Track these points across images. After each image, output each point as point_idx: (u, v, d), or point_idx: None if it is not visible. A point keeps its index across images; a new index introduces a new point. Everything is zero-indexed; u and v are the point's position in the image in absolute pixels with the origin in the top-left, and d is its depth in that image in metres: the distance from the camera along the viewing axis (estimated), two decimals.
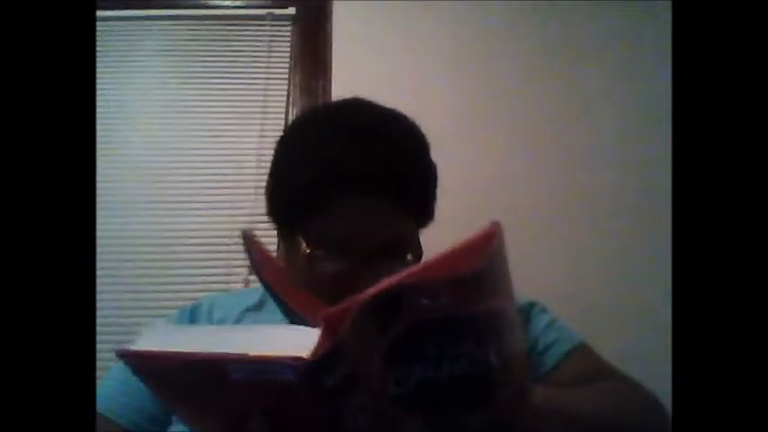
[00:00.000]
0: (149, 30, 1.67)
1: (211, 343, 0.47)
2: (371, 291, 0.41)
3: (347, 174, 0.64)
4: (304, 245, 0.67)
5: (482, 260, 0.42)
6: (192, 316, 0.77)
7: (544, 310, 0.80)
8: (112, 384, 0.73)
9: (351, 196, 0.65)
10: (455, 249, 0.43)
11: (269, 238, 1.43)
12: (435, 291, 0.41)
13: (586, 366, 0.73)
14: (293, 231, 0.69)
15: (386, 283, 0.41)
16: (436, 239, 1.36)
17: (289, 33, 1.67)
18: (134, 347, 0.51)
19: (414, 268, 0.42)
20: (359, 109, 0.74)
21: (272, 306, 0.77)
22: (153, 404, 0.69)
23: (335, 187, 0.64)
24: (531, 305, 0.80)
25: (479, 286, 0.42)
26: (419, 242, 0.73)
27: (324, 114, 0.77)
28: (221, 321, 0.76)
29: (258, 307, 0.78)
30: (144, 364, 0.50)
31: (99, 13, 1.42)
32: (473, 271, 0.41)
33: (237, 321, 0.76)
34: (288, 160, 0.71)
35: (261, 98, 1.60)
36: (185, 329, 0.62)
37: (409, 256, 0.69)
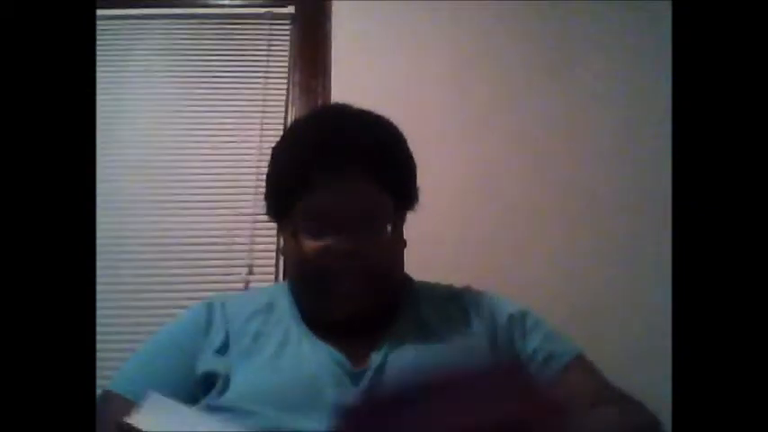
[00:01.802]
0: (149, 29, 1.67)
1: None
2: None
3: (323, 153, 0.75)
4: (290, 229, 0.77)
5: None
6: (208, 313, 0.79)
7: (539, 320, 0.81)
8: (136, 369, 0.75)
9: (327, 172, 0.74)
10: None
11: (269, 238, 1.45)
12: None
13: (586, 380, 0.75)
14: (286, 221, 0.79)
15: None
16: (436, 237, 1.37)
17: (288, 32, 1.67)
18: (133, 423, 0.51)
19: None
20: (335, 110, 0.86)
21: (280, 308, 0.79)
22: (176, 391, 0.70)
23: (313, 166, 0.75)
24: (524, 314, 0.81)
25: None
26: (399, 221, 0.81)
27: (304, 119, 0.88)
28: (232, 320, 0.78)
29: (268, 309, 0.80)
30: None
31: (99, 12, 1.42)
32: None
33: (247, 322, 0.77)
34: (276, 160, 0.82)
35: (260, 97, 1.60)
36: (190, 414, 0.60)
37: (388, 228, 0.76)
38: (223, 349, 0.74)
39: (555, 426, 0.39)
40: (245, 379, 0.70)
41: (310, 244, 0.75)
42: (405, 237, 0.84)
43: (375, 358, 0.72)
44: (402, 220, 0.83)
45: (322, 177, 0.74)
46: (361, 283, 0.74)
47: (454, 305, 0.82)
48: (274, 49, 1.66)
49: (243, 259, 1.45)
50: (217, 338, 0.75)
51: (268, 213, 0.83)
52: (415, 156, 0.84)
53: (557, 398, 0.38)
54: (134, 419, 0.52)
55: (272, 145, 0.86)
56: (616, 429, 0.67)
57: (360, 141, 0.77)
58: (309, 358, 0.72)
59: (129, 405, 0.67)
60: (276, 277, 1.41)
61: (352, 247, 0.73)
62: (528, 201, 1.48)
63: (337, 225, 0.74)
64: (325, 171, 0.74)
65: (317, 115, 0.86)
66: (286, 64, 1.64)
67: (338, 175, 0.75)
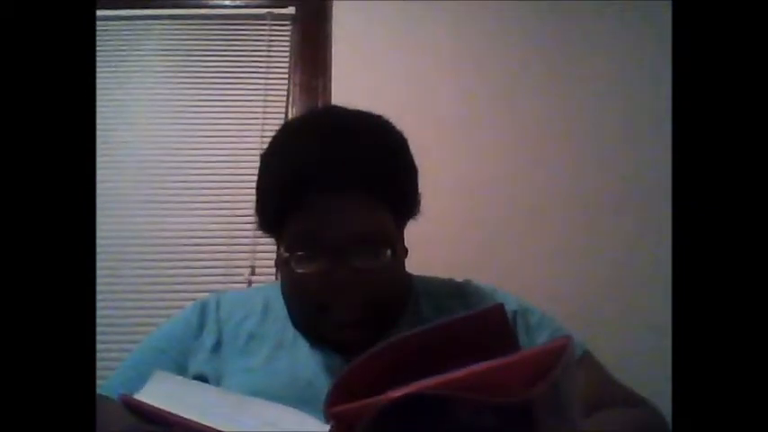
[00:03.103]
0: (149, 29, 1.67)
1: (216, 414, 0.47)
2: (397, 393, 0.35)
3: (316, 173, 0.67)
4: (283, 248, 0.71)
5: (545, 384, 0.35)
6: (201, 313, 0.78)
7: (543, 316, 0.79)
8: (128, 373, 0.74)
9: (321, 194, 0.67)
10: (515, 360, 0.36)
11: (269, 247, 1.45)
12: (477, 408, 0.35)
13: (593, 378, 0.73)
14: (278, 239, 0.73)
15: (417, 386, 0.35)
16: (435, 238, 1.37)
17: (288, 33, 1.67)
18: (137, 397, 0.51)
19: (456, 374, 0.35)
20: (328, 115, 0.79)
21: (275, 310, 0.78)
22: None
23: (305, 187, 0.67)
24: (528, 310, 0.78)
25: (535, 415, 0.35)
26: (399, 237, 0.76)
27: (296, 124, 0.81)
28: (226, 319, 0.77)
29: (263, 310, 0.78)
30: (140, 414, 0.51)
31: (99, 12, 1.42)
32: (529, 397, 0.34)
33: (241, 323, 0.76)
34: (265, 173, 0.75)
35: (261, 98, 1.60)
36: (193, 388, 0.60)
37: (388, 252, 0.70)
38: (216, 351, 0.74)
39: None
40: (238, 381, 0.70)
41: (303, 270, 0.69)
42: (404, 242, 0.80)
43: None
44: (403, 228, 0.79)
45: (315, 196, 0.67)
46: (360, 313, 0.70)
47: (455, 301, 0.79)
48: (275, 49, 1.66)
49: (245, 260, 1.45)
50: (209, 340, 0.75)
51: (261, 228, 0.76)
52: (414, 157, 0.78)
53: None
54: (141, 395, 0.53)
55: None
56: (625, 429, 0.65)
57: (356, 157, 0.68)
58: (305, 363, 0.71)
59: (122, 408, 0.66)
60: (276, 277, 1.41)
61: (349, 276, 0.67)
62: (528, 201, 1.48)
63: (332, 252, 0.67)
64: (317, 193, 0.67)
65: (309, 122, 0.77)
66: (287, 64, 1.64)
67: (333, 196, 0.67)
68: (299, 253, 0.69)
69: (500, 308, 0.46)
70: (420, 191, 0.77)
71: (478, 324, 0.45)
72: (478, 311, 0.45)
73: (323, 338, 0.73)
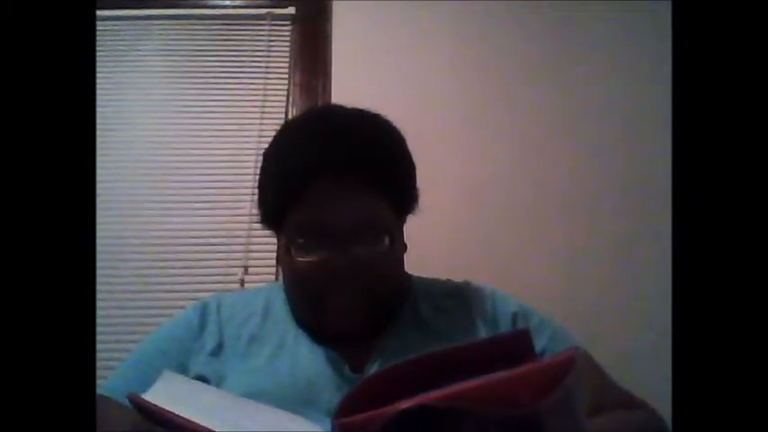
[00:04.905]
0: (149, 29, 1.67)
1: (224, 419, 0.47)
2: (405, 405, 0.35)
3: (316, 165, 0.70)
4: (284, 240, 0.73)
5: (549, 397, 0.35)
6: (202, 315, 0.78)
7: (543, 318, 0.79)
8: (128, 372, 0.74)
9: (320, 184, 0.70)
10: (523, 372, 0.36)
11: (266, 237, 1.45)
12: (485, 421, 0.35)
13: (593, 383, 0.72)
14: (279, 230, 0.75)
15: (425, 398, 0.35)
16: (435, 237, 1.37)
17: (288, 33, 1.67)
18: (144, 397, 0.51)
19: (463, 386, 0.36)
20: (328, 113, 0.82)
21: (276, 310, 0.78)
22: None
23: (306, 178, 0.70)
24: (528, 313, 0.79)
25: (543, 428, 0.35)
26: (398, 229, 0.78)
27: (296, 123, 0.83)
28: (227, 321, 0.77)
29: (264, 311, 0.79)
30: (146, 414, 0.51)
31: (99, 12, 1.42)
32: (537, 409, 0.34)
33: (242, 325, 0.77)
34: (266, 168, 0.77)
35: (260, 98, 1.60)
36: (200, 390, 0.60)
37: (386, 239, 0.72)
38: (217, 353, 0.74)
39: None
40: (239, 382, 0.70)
41: (304, 259, 0.71)
42: (404, 238, 0.81)
43: (373, 362, 0.72)
44: (402, 223, 0.80)
45: (315, 189, 0.70)
46: (360, 300, 0.71)
47: (454, 302, 0.80)
48: (274, 49, 1.66)
49: (241, 259, 1.45)
50: (210, 341, 0.75)
51: (262, 223, 0.79)
52: (414, 155, 0.80)
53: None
54: (148, 395, 0.53)
55: None
56: None
57: (355, 147, 0.71)
58: (306, 361, 0.72)
59: (122, 408, 0.65)
60: (276, 277, 1.41)
61: (349, 263, 0.69)
62: (528, 201, 1.48)
63: (332, 239, 0.70)
64: (318, 182, 0.70)
65: (310, 118, 0.81)
66: (286, 64, 1.64)
67: (333, 185, 0.70)
68: (300, 241, 0.71)
69: (526, 333, 0.46)
70: (418, 187, 0.79)
71: (502, 347, 0.45)
72: (503, 335, 0.46)
73: (323, 330, 0.74)
